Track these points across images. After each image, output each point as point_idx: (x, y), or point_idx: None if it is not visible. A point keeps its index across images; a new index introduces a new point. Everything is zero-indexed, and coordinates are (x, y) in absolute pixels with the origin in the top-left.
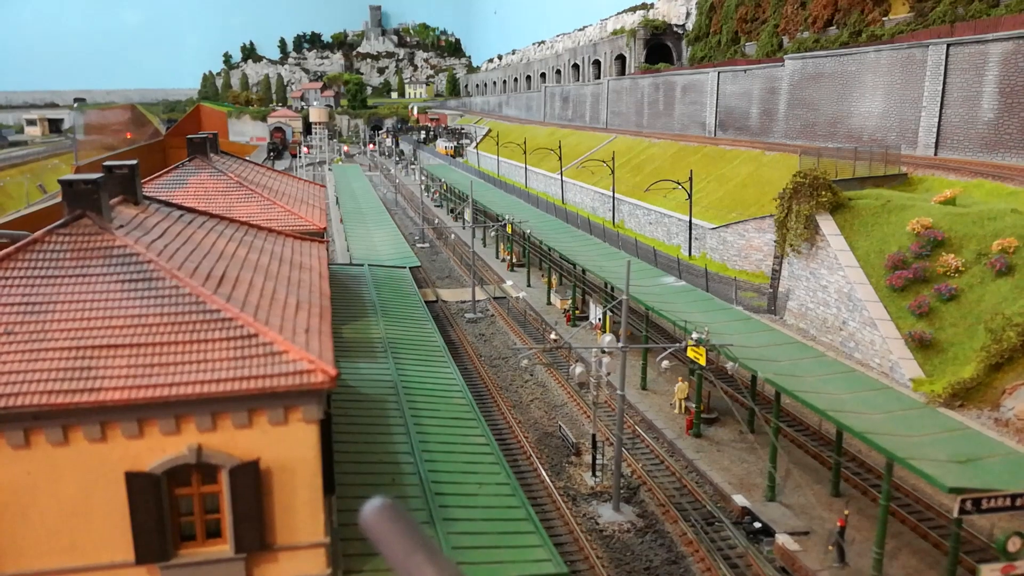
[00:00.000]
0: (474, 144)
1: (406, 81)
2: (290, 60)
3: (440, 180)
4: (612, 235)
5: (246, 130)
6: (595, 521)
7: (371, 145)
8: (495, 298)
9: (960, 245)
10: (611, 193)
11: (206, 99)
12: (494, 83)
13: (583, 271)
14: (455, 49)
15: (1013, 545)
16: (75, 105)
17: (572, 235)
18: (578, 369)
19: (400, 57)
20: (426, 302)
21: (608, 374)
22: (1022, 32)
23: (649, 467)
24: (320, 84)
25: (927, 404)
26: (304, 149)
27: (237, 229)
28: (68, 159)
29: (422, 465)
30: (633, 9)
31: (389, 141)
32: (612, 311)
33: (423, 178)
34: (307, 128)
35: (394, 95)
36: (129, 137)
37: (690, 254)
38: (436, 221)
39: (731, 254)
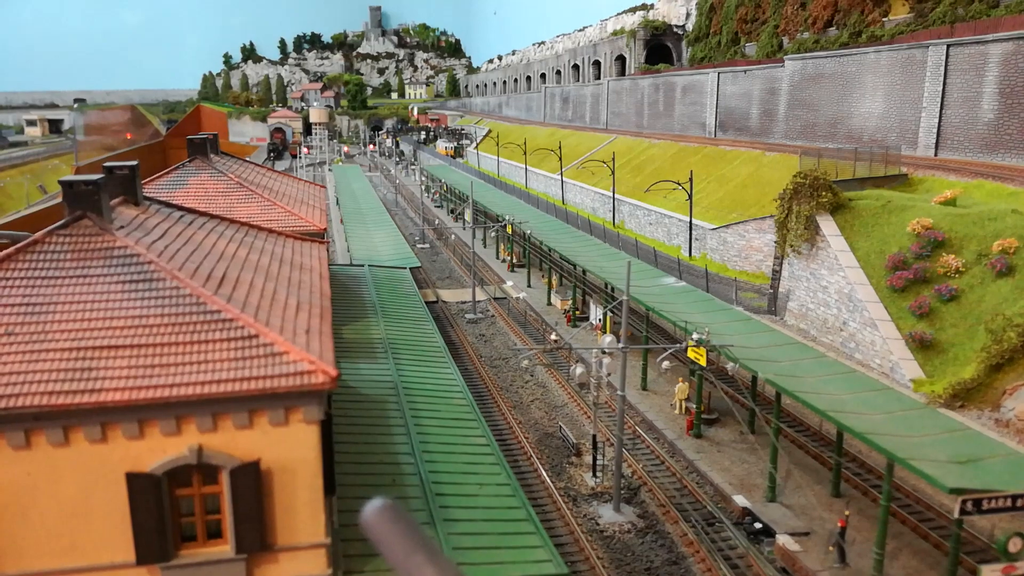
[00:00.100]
0: (474, 145)
1: (406, 82)
2: (290, 61)
3: (440, 181)
4: (612, 236)
5: (246, 131)
6: (596, 521)
7: (371, 146)
8: (495, 299)
9: (960, 246)
10: (611, 194)
11: (206, 100)
12: (494, 84)
13: (583, 272)
14: (455, 50)
15: (1014, 546)
16: (75, 106)
17: (572, 236)
18: (578, 370)
19: (400, 58)
20: (426, 303)
21: (608, 375)
22: (1022, 33)
23: (650, 467)
24: (320, 85)
25: (928, 405)
26: (304, 150)
27: (237, 230)
28: (68, 160)
29: (422, 466)
30: (633, 10)
31: (389, 142)
32: (612, 312)
33: (423, 179)
34: (307, 129)
35: (394, 96)
36: (129, 138)
37: (690, 255)
38: (436, 222)
39: (731, 255)
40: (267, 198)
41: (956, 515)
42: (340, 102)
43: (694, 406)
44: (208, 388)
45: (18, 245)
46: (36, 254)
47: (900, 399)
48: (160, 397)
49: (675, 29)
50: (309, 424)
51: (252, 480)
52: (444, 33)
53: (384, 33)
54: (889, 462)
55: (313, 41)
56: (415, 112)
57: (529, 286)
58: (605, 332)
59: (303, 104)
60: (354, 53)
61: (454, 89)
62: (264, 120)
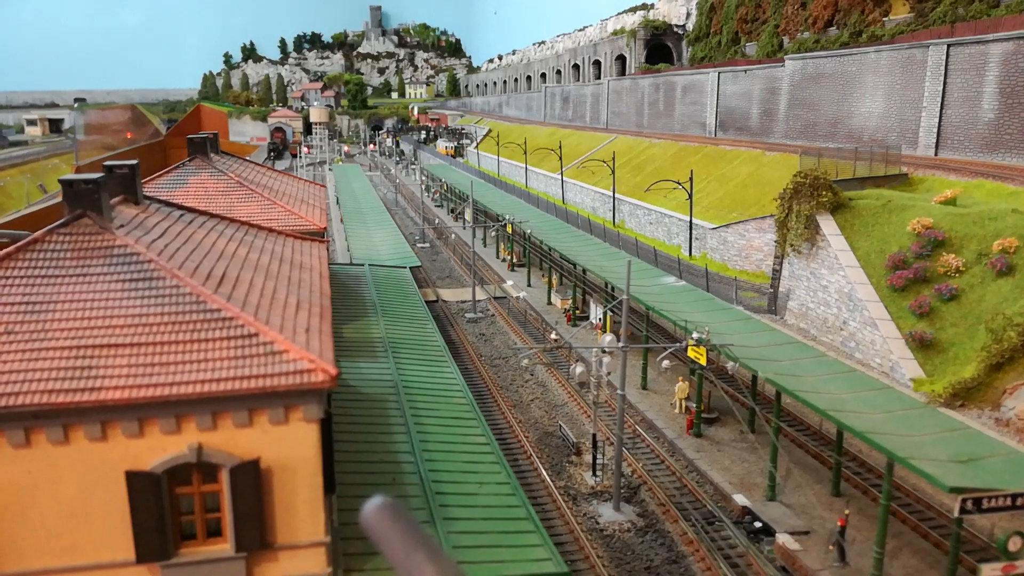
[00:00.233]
0: (474, 144)
1: (406, 81)
2: (290, 60)
3: (440, 180)
4: (612, 235)
5: (246, 130)
6: (595, 520)
7: (371, 145)
8: (495, 298)
9: (961, 245)
10: (611, 193)
11: (206, 99)
12: (494, 83)
13: (583, 271)
14: (455, 49)
15: (1014, 544)
16: (75, 105)
17: (572, 235)
18: (578, 369)
19: (400, 57)
20: (426, 302)
21: (608, 374)
22: (1022, 32)
23: (649, 467)
24: (320, 84)
25: (928, 404)
26: (304, 149)
27: (237, 229)
28: (68, 159)
29: (422, 464)
30: (633, 9)
31: (389, 141)
32: (612, 311)
33: (423, 178)
34: (307, 128)
35: (394, 95)
36: (129, 137)
37: (690, 254)
38: (436, 221)
39: (731, 254)
40: (267, 197)
41: (956, 514)
42: (340, 102)
43: (694, 405)
44: (208, 386)
45: (18, 244)
46: (36, 253)
47: (900, 398)
48: (160, 395)
49: (675, 29)
50: (309, 423)
51: (252, 479)
52: (444, 33)
53: (384, 33)
54: (889, 461)
55: (313, 41)
56: (415, 112)
57: (529, 285)
58: (605, 331)
59: (303, 104)
60: (354, 53)
61: (454, 89)
62: (264, 120)
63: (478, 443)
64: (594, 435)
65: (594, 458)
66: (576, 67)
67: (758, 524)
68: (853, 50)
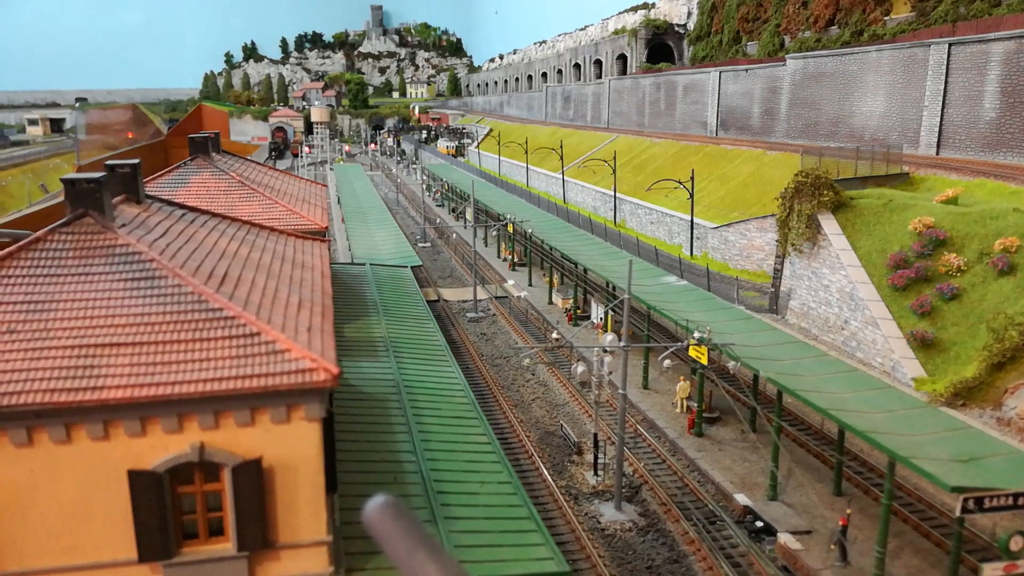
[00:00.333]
0: (475, 144)
1: (407, 81)
2: (291, 60)
3: (441, 180)
4: (614, 235)
5: (248, 130)
6: (597, 520)
7: (372, 145)
8: (497, 297)
9: (962, 244)
10: (612, 193)
11: (207, 99)
12: (495, 83)
13: (585, 270)
14: (456, 49)
15: (1015, 544)
16: (77, 105)
17: (573, 234)
18: (580, 368)
19: (401, 57)
20: (428, 301)
21: (610, 373)
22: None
23: (651, 466)
24: (321, 84)
25: (929, 403)
26: (306, 149)
27: (239, 228)
28: (70, 158)
29: (424, 464)
30: (634, 9)
31: (390, 141)
32: (614, 310)
33: (424, 178)
34: (308, 128)
35: (395, 95)
36: (131, 137)
37: (692, 253)
38: (437, 220)
39: (733, 253)
40: (269, 197)
41: (958, 513)
42: (341, 101)
43: (695, 405)
44: (210, 386)
45: (20, 243)
46: (38, 252)
47: (902, 398)
48: (162, 395)
49: (676, 28)
50: (311, 422)
51: (254, 478)
52: (445, 32)
53: (385, 32)
54: (891, 461)
55: (314, 40)
56: (416, 111)
57: (530, 285)
58: (606, 331)
59: (304, 103)
60: (355, 52)
61: (455, 88)
62: (265, 119)
63: (480, 442)
64: (595, 434)
65: (595, 457)
66: (577, 66)
67: (760, 523)
68: (854, 49)
